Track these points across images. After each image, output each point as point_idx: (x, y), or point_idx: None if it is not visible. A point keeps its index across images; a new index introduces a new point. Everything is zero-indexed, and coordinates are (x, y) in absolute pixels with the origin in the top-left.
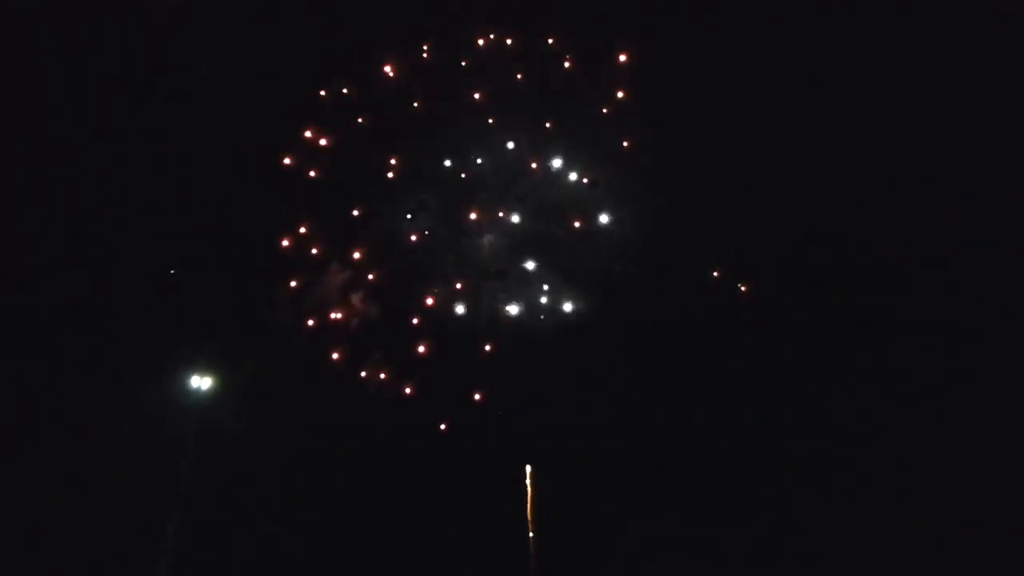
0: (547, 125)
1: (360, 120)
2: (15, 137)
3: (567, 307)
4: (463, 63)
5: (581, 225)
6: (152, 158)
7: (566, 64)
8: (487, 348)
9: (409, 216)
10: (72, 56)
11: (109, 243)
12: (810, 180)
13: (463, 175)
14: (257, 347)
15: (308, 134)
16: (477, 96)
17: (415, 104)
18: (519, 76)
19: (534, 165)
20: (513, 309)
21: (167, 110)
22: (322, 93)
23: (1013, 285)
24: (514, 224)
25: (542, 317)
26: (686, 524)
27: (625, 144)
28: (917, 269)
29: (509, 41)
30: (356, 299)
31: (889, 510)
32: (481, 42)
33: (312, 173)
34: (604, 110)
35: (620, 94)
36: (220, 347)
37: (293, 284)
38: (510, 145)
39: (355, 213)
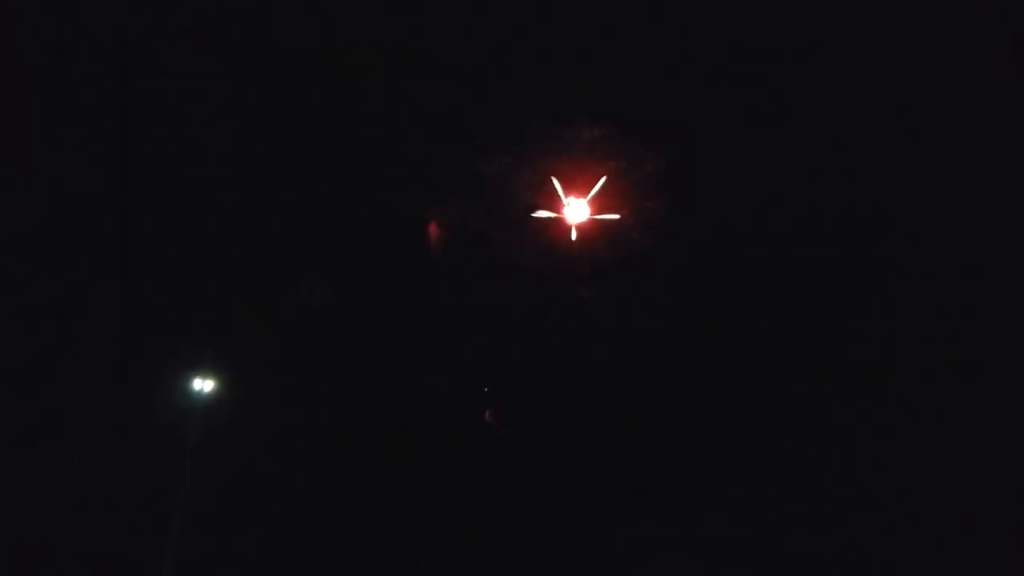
0: None
1: None
2: (14, 136)
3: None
4: None
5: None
6: (152, 157)
7: None
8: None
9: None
10: (70, 54)
11: (108, 243)
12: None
13: None
14: (258, 348)
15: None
16: None
17: None
18: None
19: None
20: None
21: (168, 110)
22: None
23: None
24: None
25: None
26: (686, 523)
27: None
28: (919, 268)
29: None
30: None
31: (892, 509)
32: None
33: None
34: None
35: None
36: (222, 348)
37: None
38: None
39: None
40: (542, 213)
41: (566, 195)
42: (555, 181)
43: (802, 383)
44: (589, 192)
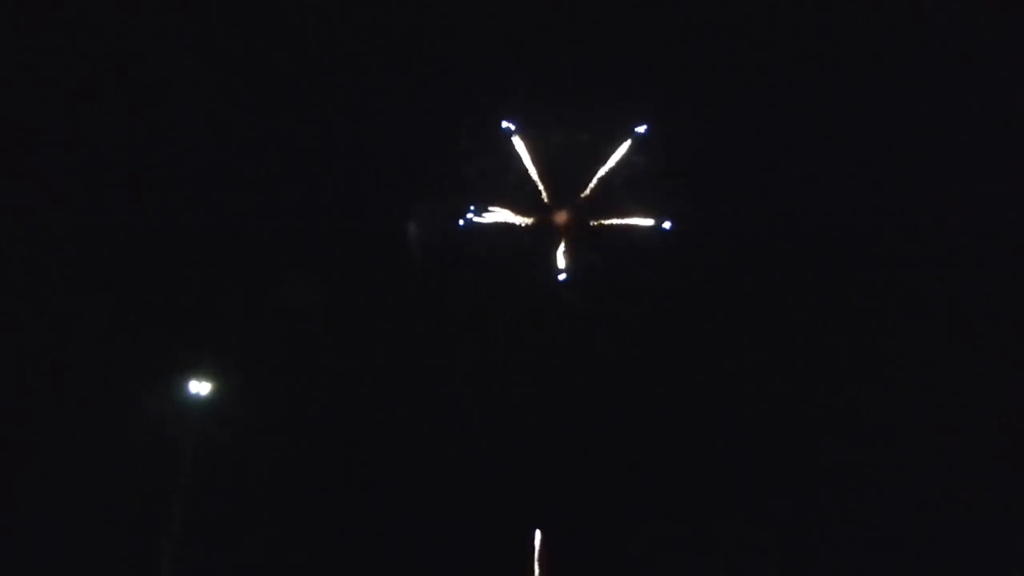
0: None
1: None
2: (13, 136)
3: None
4: None
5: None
6: (151, 159)
7: None
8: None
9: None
10: (70, 55)
11: (108, 245)
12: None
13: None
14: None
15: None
16: None
17: None
18: None
19: None
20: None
21: (167, 110)
22: None
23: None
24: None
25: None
26: (689, 524)
27: None
28: (921, 268)
29: None
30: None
31: (893, 509)
32: None
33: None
34: None
35: None
36: (219, 350)
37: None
38: None
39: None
40: (533, 217)
41: (557, 198)
42: (541, 186)
43: (802, 384)
44: (580, 195)
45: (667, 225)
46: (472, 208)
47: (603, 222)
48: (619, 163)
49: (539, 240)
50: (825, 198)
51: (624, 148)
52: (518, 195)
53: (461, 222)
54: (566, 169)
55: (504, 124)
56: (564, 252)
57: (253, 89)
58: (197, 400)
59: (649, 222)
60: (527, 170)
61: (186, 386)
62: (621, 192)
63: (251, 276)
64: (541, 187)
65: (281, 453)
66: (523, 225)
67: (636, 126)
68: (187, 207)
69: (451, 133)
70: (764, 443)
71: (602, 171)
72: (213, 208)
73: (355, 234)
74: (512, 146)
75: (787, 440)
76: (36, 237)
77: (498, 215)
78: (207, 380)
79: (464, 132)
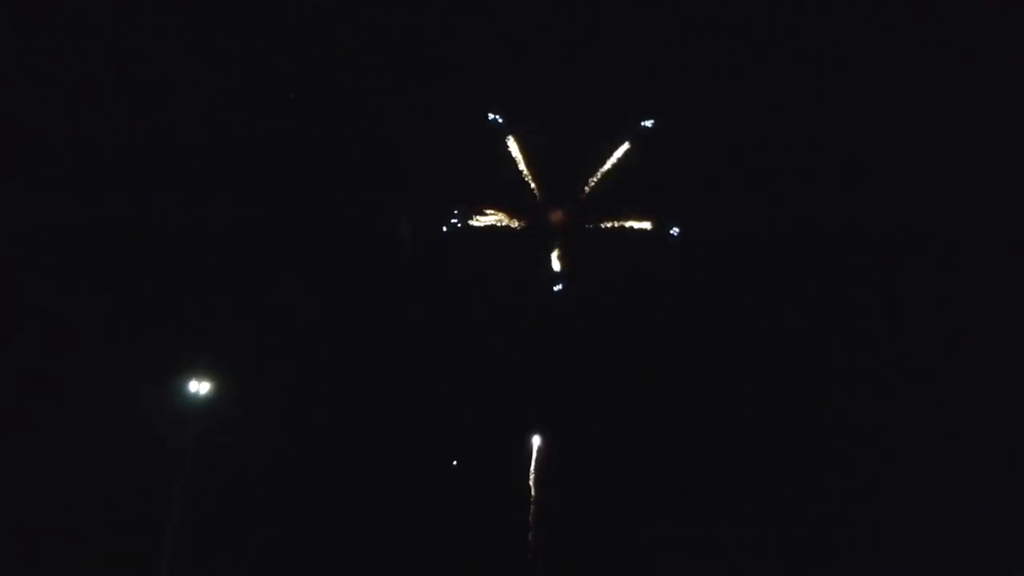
0: None
1: None
2: (13, 137)
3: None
4: None
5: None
6: (150, 159)
7: None
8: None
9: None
10: (72, 56)
11: (108, 244)
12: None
13: None
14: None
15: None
16: None
17: None
18: None
19: None
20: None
21: (167, 111)
22: None
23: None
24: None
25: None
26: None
27: None
28: (922, 270)
29: None
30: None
31: (893, 509)
32: None
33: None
34: None
35: None
36: (218, 350)
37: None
38: None
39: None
40: (527, 218)
41: (551, 200)
42: (535, 187)
43: (803, 385)
44: (574, 198)
45: (675, 231)
46: (456, 212)
47: (601, 224)
48: (618, 162)
49: (534, 243)
50: (829, 200)
51: (623, 147)
52: (510, 195)
53: (445, 228)
54: (562, 168)
55: (491, 116)
56: (559, 255)
57: (249, 92)
58: (196, 400)
59: (649, 225)
60: (520, 170)
61: (186, 386)
62: (620, 193)
63: (253, 276)
64: (534, 187)
65: (280, 452)
66: (516, 226)
67: (636, 124)
68: (185, 207)
69: (441, 132)
70: (765, 443)
71: (600, 171)
72: (210, 208)
73: (353, 235)
74: (504, 144)
75: (788, 440)
76: (36, 237)
77: (489, 218)
78: (206, 380)
79: (455, 130)
